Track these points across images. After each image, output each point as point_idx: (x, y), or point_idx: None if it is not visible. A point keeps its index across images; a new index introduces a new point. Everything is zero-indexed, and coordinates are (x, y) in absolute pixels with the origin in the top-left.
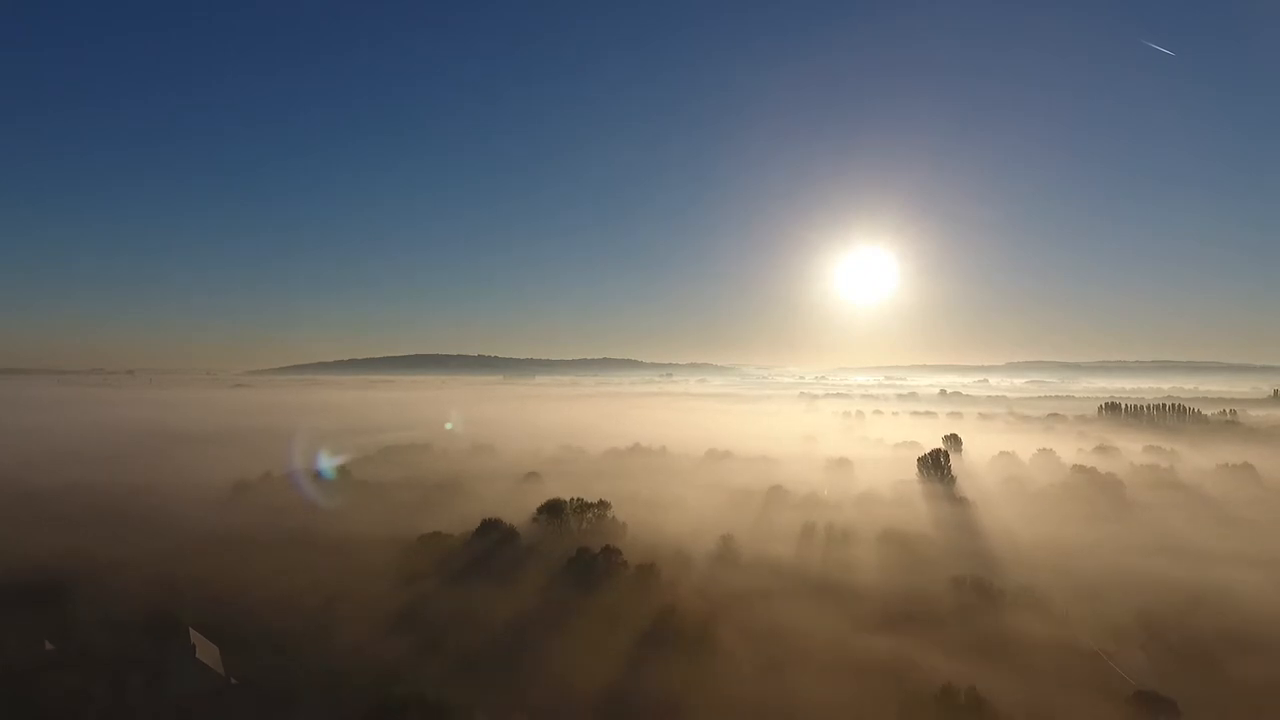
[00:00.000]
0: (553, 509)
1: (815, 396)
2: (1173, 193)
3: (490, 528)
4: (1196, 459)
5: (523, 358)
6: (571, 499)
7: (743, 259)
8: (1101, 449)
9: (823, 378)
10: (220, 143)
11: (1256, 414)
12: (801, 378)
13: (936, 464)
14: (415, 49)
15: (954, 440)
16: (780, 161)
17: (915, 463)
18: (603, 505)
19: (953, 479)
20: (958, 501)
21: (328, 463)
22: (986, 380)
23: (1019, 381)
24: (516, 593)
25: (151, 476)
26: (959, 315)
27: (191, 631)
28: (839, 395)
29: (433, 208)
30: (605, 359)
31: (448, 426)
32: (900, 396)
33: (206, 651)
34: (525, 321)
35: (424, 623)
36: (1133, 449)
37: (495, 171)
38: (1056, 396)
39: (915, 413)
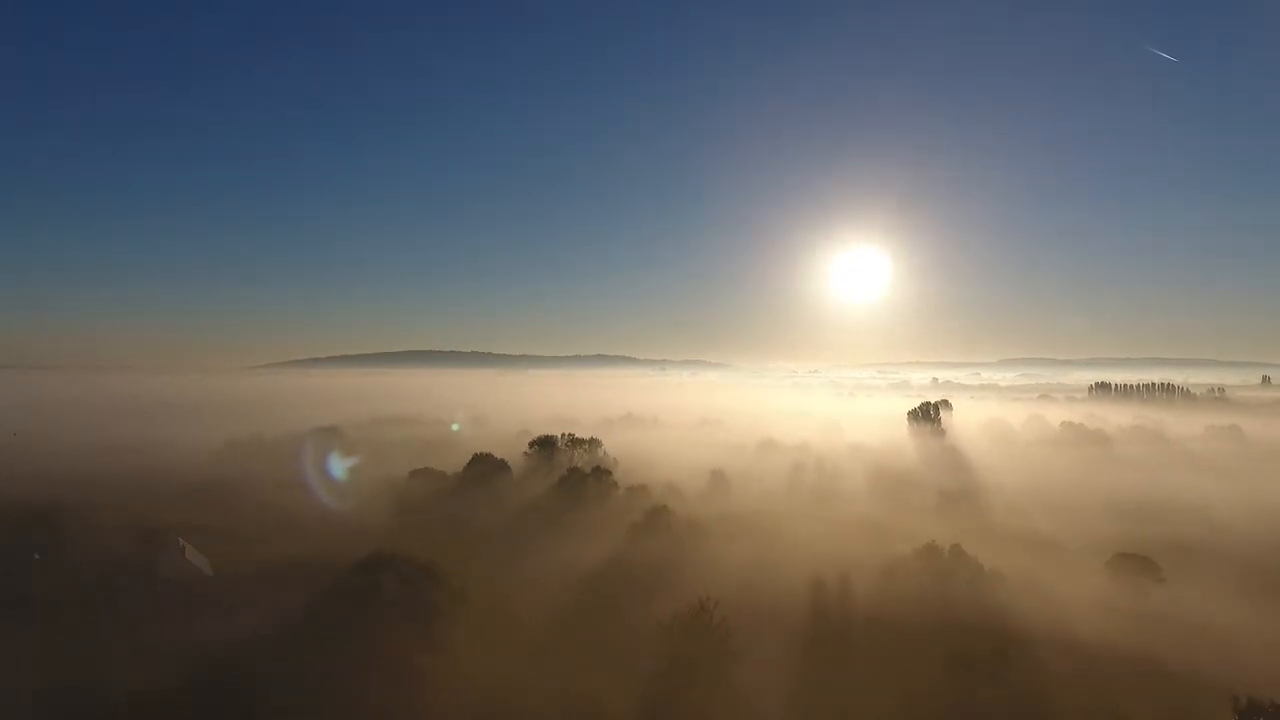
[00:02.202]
0: (545, 443)
1: (809, 386)
2: (1165, 192)
3: (481, 460)
4: (1184, 425)
5: (516, 354)
6: (563, 434)
7: (737, 257)
8: (1091, 416)
9: (816, 371)
10: (208, 140)
11: (1245, 394)
12: (794, 372)
13: (927, 415)
14: (409, 45)
15: (945, 404)
16: (776, 160)
17: (906, 418)
18: (594, 442)
19: (942, 431)
20: (948, 449)
21: (318, 425)
22: (979, 374)
23: (1011, 374)
24: (508, 504)
25: (143, 436)
26: (952, 314)
27: (179, 539)
28: (832, 384)
29: (426, 204)
30: (599, 355)
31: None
32: (892, 385)
33: (194, 554)
34: (520, 319)
35: (415, 525)
36: (1122, 418)
37: (488, 168)
38: (1048, 384)
39: (907, 396)
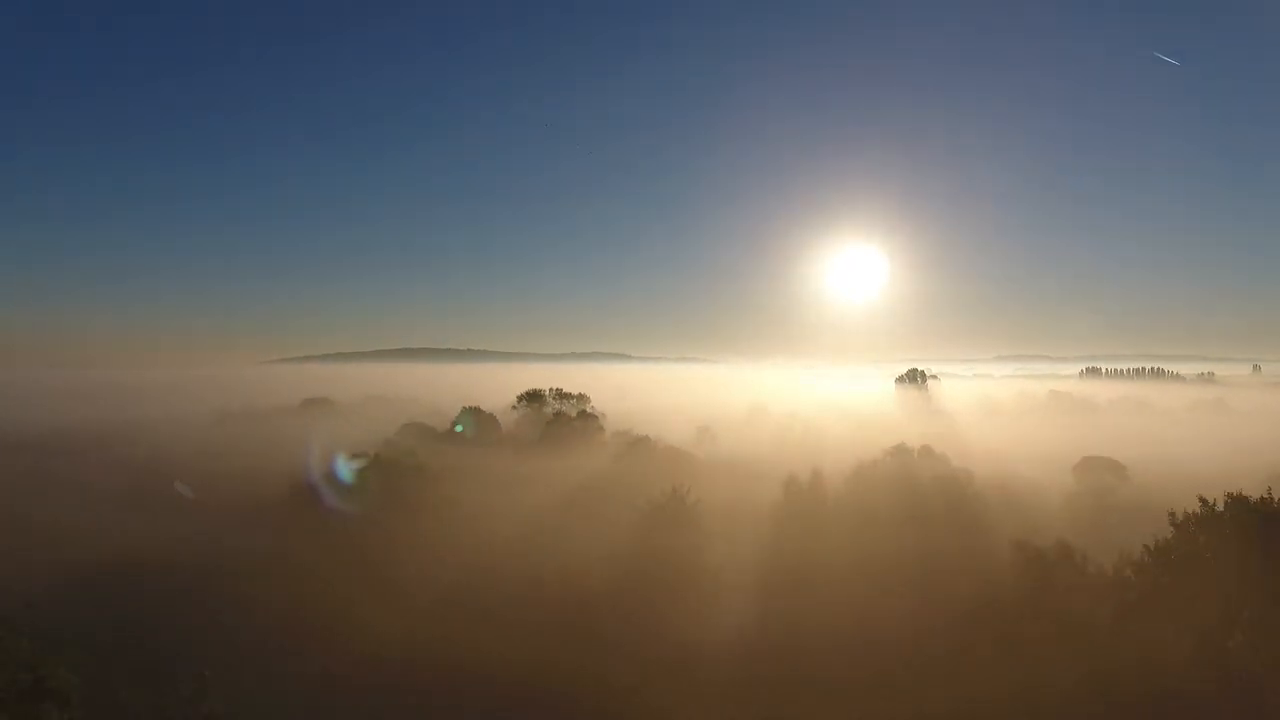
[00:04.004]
0: (533, 396)
1: (805, 379)
2: (1161, 193)
3: (469, 412)
4: (1171, 399)
5: (512, 351)
6: (551, 388)
7: (734, 256)
8: (1079, 389)
9: (813, 368)
10: (196, 136)
11: (1235, 379)
12: (792, 367)
13: (914, 379)
14: (404, 42)
15: (934, 378)
16: (773, 158)
17: (894, 384)
18: (582, 398)
19: (929, 397)
20: (934, 410)
21: (308, 396)
22: (974, 368)
23: (1006, 370)
24: (496, 444)
25: (135, 412)
26: (952, 312)
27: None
28: (828, 377)
29: (419, 202)
30: (595, 352)
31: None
32: (886, 376)
33: (181, 485)
34: (516, 317)
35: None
36: (1110, 394)
37: (483, 165)
38: (1042, 374)
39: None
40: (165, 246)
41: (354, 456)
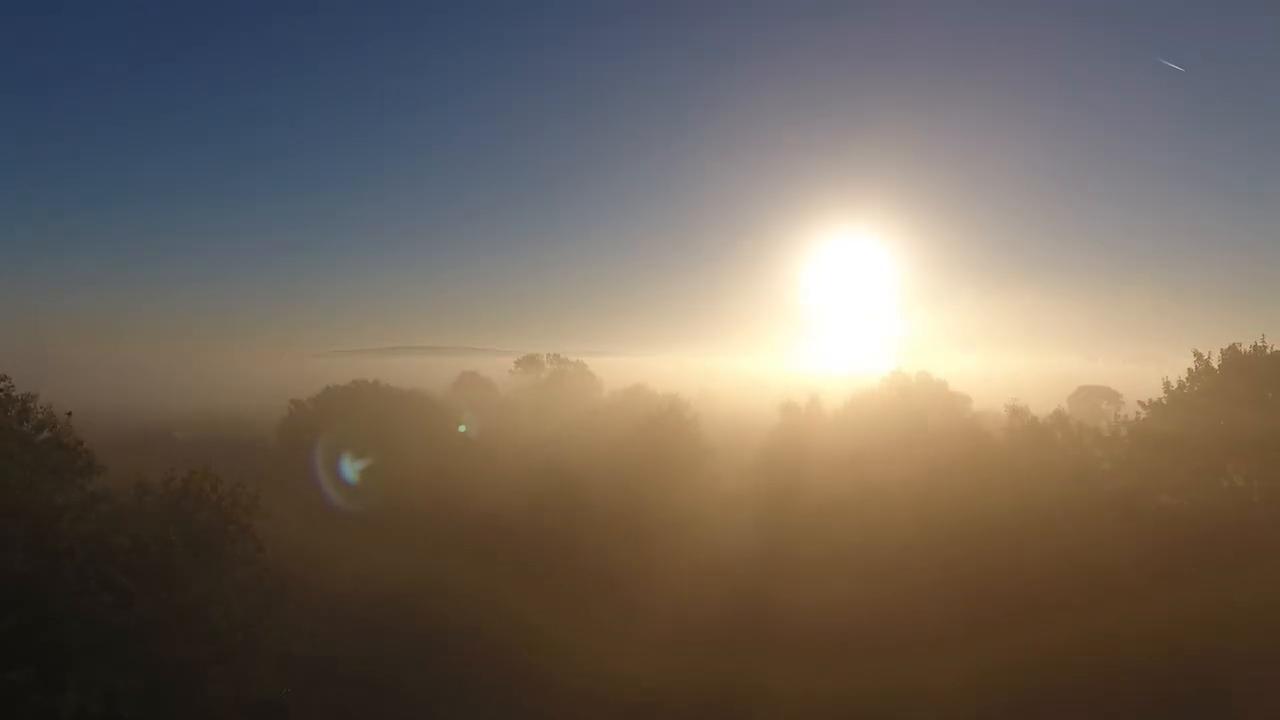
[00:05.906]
0: (530, 360)
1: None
2: (1160, 195)
3: (467, 379)
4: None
5: (509, 349)
6: (549, 353)
7: (733, 254)
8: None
9: (810, 360)
10: (191, 136)
11: None
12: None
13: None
14: (408, 43)
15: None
16: (768, 157)
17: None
18: (580, 364)
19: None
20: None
21: (308, 373)
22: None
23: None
24: (495, 401)
25: (136, 395)
26: (948, 311)
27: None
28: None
29: (414, 199)
30: (593, 350)
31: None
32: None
33: (181, 434)
34: (514, 315)
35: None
36: (1107, 374)
37: (479, 164)
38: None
39: None
40: (151, 250)
41: (350, 381)
